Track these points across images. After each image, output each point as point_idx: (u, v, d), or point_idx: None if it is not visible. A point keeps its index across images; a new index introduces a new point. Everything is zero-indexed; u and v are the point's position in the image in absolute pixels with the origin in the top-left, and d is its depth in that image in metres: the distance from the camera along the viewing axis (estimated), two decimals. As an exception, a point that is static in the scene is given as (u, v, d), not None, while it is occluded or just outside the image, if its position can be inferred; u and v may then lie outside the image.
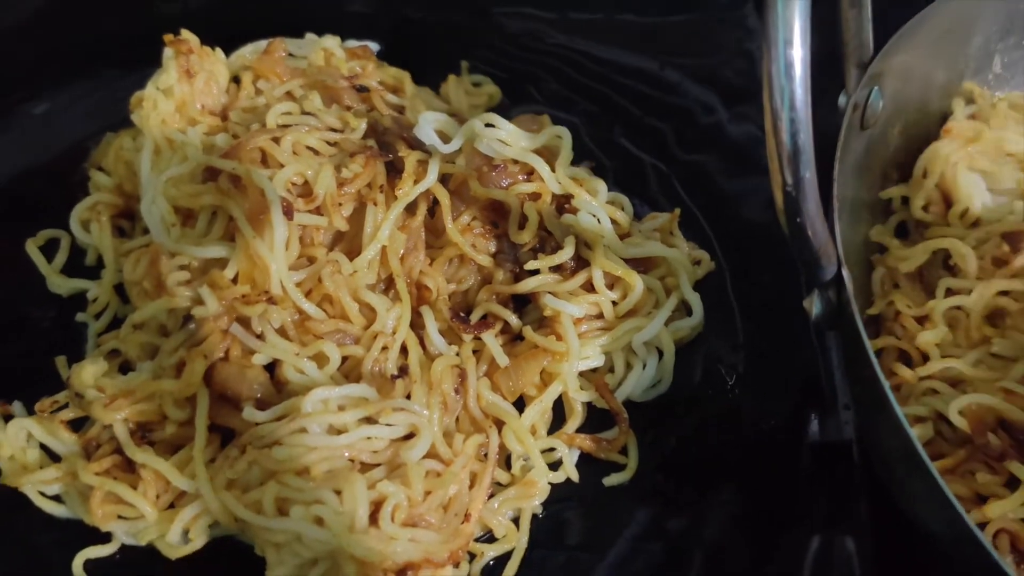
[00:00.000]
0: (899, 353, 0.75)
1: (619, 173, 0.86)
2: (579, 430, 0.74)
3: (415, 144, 0.77)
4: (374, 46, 0.95)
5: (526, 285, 0.75)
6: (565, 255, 0.74)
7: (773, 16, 0.52)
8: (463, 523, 0.66)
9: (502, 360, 0.73)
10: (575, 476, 0.72)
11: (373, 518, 0.62)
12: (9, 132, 0.87)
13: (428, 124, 0.77)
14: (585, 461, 0.73)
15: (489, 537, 0.69)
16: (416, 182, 0.75)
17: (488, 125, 0.76)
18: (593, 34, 0.94)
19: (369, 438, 0.66)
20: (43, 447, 0.70)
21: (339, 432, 0.66)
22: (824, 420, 0.72)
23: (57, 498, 0.69)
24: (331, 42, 0.90)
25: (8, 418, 0.70)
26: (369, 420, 0.66)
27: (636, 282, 0.74)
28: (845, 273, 0.62)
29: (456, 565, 0.65)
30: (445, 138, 0.78)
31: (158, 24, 0.86)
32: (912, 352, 0.74)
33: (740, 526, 0.69)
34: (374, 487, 0.63)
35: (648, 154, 0.87)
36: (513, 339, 0.76)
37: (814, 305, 0.65)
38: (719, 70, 0.91)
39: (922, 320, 0.75)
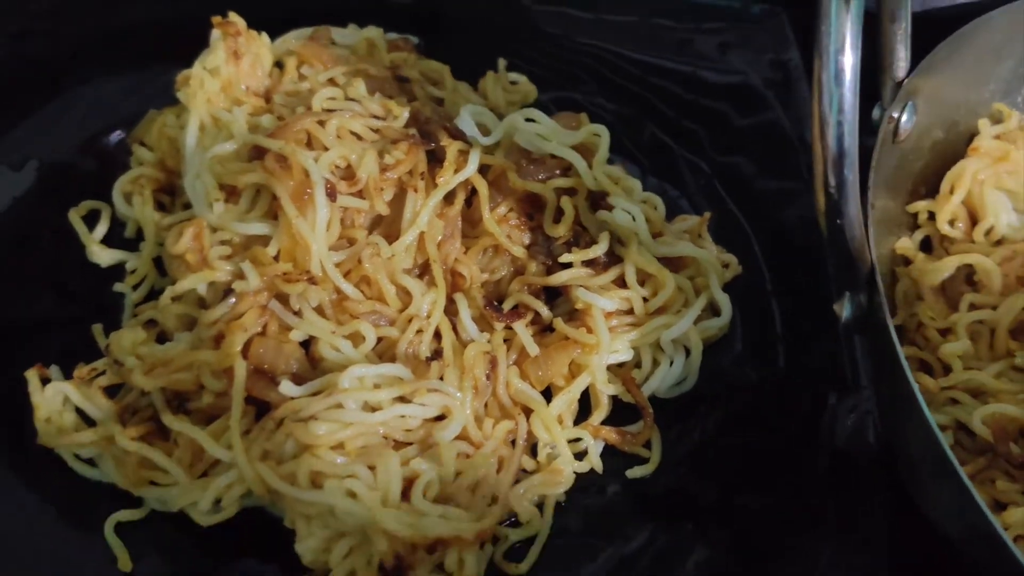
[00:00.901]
0: (919, 363, 0.76)
1: (656, 172, 0.87)
2: (603, 423, 0.75)
3: (456, 134, 0.79)
4: (413, 39, 0.96)
5: (559, 277, 0.76)
6: (600, 249, 0.75)
7: (826, 23, 0.54)
8: (490, 505, 0.67)
9: (532, 349, 0.74)
10: (599, 467, 0.73)
11: (405, 495, 0.64)
12: (56, 107, 0.88)
13: (469, 115, 0.78)
14: (609, 453, 0.74)
15: (513, 522, 0.70)
16: (456, 171, 0.77)
17: (528, 120, 0.78)
18: (628, 36, 0.96)
19: (403, 416, 0.67)
20: (79, 412, 0.71)
21: (374, 409, 0.67)
22: (848, 424, 0.73)
23: (90, 461, 0.70)
24: (374, 32, 0.92)
25: (46, 381, 0.71)
26: (403, 399, 0.68)
27: (668, 280, 0.75)
28: (878, 277, 0.63)
29: (481, 546, 0.66)
30: (485, 131, 0.79)
31: (200, 10, 0.88)
32: (933, 362, 0.76)
33: (759, 526, 0.70)
34: (407, 464, 0.64)
35: (685, 154, 0.88)
36: (543, 330, 0.78)
37: (844, 308, 0.66)
38: (754, 77, 0.93)
39: (944, 332, 0.77)
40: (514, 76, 0.97)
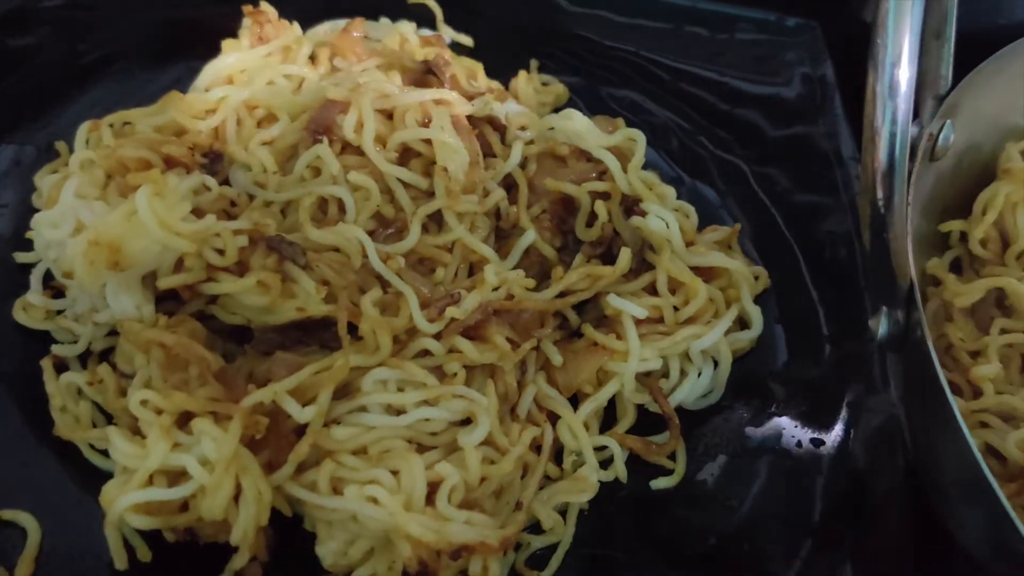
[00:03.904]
0: (948, 385, 0.75)
1: (693, 179, 0.87)
2: (628, 432, 0.74)
3: (497, 127, 0.78)
4: (446, 37, 0.96)
5: (589, 282, 0.75)
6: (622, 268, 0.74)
7: (883, 35, 0.54)
8: (514, 511, 0.66)
9: (556, 360, 0.73)
10: (624, 476, 0.72)
11: (429, 499, 0.62)
12: (86, 96, 0.88)
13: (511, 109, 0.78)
14: (633, 463, 0.73)
15: (534, 528, 0.69)
16: (499, 163, 0.77)
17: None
18: (662, 43, 0.95)
19: (428, 420, 0.66)
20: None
21: (397, 413, 0.65)
22: (875, 442, 0.72)
23: (106, 452, 0.68)
24: (406, 27, 0.91)
25: (63, 370, 0.70)
26: (427, 403, 0.66)
27: (700, 289, 0.74)
28: (917, 293, 0.62)
29: (505, 553, 0.65)
30: (521, 129, 0.79)
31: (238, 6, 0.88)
32: (962, 384, 0.75)
33: (780, 543, 0.69)
34: (431, 468, 0.63)
35: (721, 163, 0.88)
36: (571, 336, 0.76)
37: (880, 325, 0.65)
38: (788, 90, 0.92)
39: (973, 354, 0.76)
40: (545, 77, 0.96)
